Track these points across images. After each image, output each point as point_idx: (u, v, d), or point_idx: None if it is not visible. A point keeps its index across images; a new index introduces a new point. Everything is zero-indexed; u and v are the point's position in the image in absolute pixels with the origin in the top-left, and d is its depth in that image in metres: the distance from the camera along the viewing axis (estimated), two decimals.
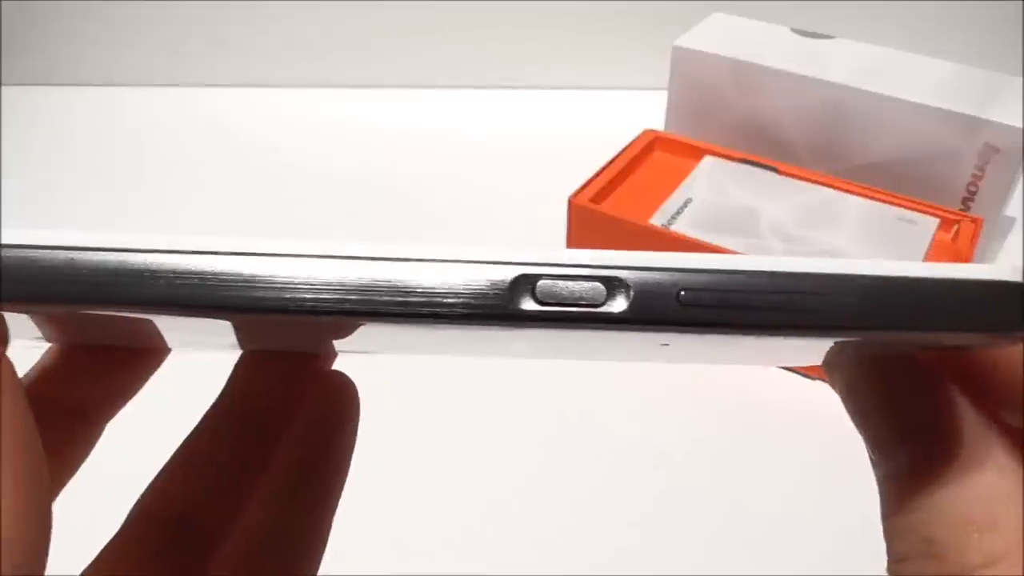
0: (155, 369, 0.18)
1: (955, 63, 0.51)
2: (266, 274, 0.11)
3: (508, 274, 0.11)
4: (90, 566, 0.16)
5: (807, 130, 0.52)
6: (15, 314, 0.11)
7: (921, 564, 0.13)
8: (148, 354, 0.18)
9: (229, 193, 0.59)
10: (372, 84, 0.69)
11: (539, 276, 0.11)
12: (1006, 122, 0.46)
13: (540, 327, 0.11)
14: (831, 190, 0.48)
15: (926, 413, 0.14)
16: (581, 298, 0.11)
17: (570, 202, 0.47)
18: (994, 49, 0.60)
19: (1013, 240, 0.53)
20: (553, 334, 0.12)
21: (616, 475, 0.40)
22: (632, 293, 0.11)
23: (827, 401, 0.16)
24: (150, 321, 0.12)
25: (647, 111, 0.56)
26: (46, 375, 0.17)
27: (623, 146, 0.52)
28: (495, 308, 0.11)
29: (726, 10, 0.57)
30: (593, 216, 0.47)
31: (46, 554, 0.11)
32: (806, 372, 0.44)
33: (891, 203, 0.47)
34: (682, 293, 0.11)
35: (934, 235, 0.45)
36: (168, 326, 0.13)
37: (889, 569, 0.14)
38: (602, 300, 0.11)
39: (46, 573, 0.11)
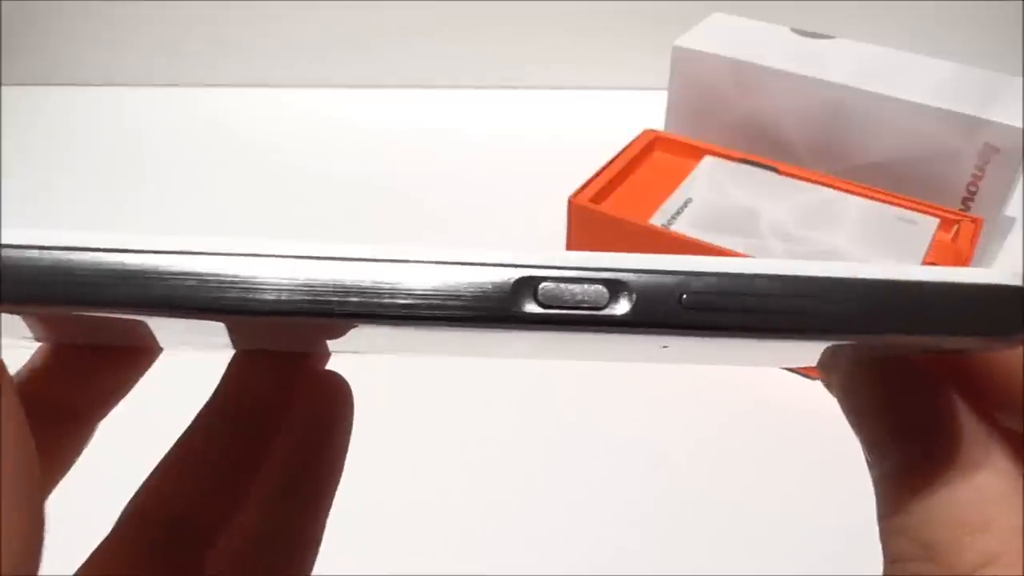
0: (147, 368, 0.18)
1: (955, 63, 0.51)
2: (267, 276, 0.11)
3: (510, 276, 0.11)
4: (83, 566, 0.16)
5: (807, 130, 0.52)
6: (5, 314, 0.11)
7: (916, 565, 0.13)
8: (140, 353, 0.18)
9: (229, 193, 0.59)
10: (372, 84, 0.69)
11: (541, 279, 0.11)
12: (1006, 122, 0.46)
13: (542, 330, 0.11)
14: (831, 190, 0.48)
15: (921, 413, 0.14)
16: (583, 301, 0.11)
17: (570, 202, 0.47)
18: (994, 49, 0.60)
19: (1013, 240, 0.53)
20: (554, 336, 0.12)
21: (616, 475, 0.40)
22: (635, 296, 0.11)
23: (827, 401, 0.16)
24: (143, 321, 0.12)
25: (647, 111, 0.56)
26: (37, 374, 0.17)
27: (623, 146, 0.52)
28: (497, 311, 0.11)
29: (726, 10, 0.57)
30: (593, 216, 0.47)
31: (39, 554, 0.11)
32: (806, 372, 0.44)
33: (891, 203, 0.47)
34: (684, 296, 0.11)
35: (934, 235, 0.45)
36: (161, 325, 0.13)
37: (885, 570, 0.14)
38: (604, 303, 0.11)
39: (39, 573, 0.11)
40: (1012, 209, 0.52)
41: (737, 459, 0.41)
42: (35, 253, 0.11)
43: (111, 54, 0.69)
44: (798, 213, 0.47)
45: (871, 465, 0.14)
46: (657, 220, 0.46)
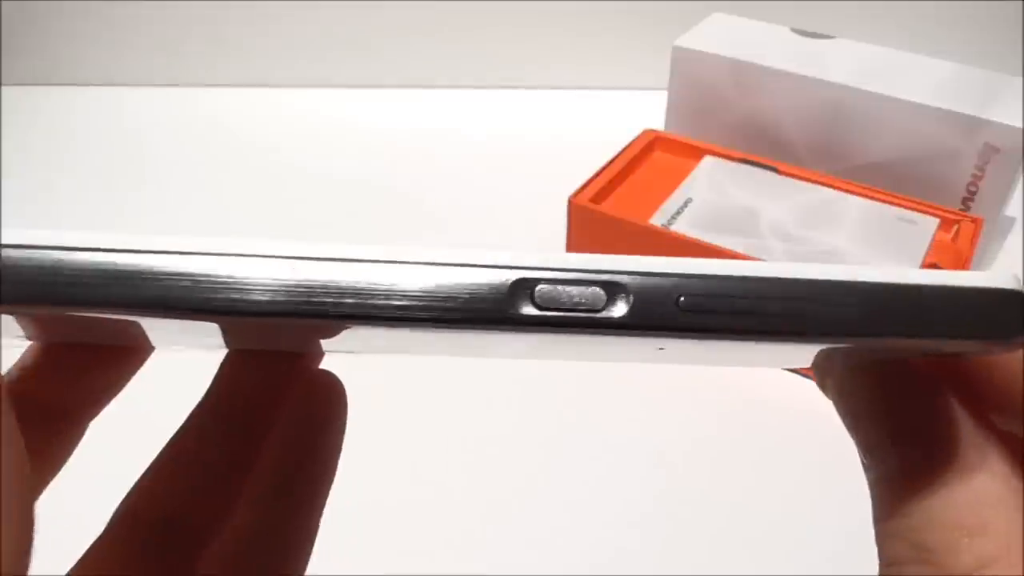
0: (139, 367, 0.18)
1: (955, 63, 0.51)
2: (262, 277, 0.11)
3: (507, 278, 0.11)
4: (75, 566, 0.16)
5: (807, 130, 0.52)
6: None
7: (912, 568, 0.13)
8: (132, 352, 0.18)
9: (229, 193, 0.59)
10: (372, 84, 0.69)
11: (538, 280, 0.11)
12: (1006, 122, 0.46)
13: (539, 332, 0.11)
14: (831, 190, 0.48)
15: (918, 416, 0.14)
16: (580, 303, 0.11)
17: (570, 202, 0.47)
18: (994, 49, 0.60)
19: (1013, 240, 0.53)
20: (551, 337, 0.12)
21: (615, 475, 0.40)
22: (632, 298, 0.11)
23: (826, 401, 0.16)
24: (135, 320, 0.12)
25: (647, 111, 0.56)
26: (28, 373, 0.16)
27: (623, 146, 0.52)
28: (494, 313, 0.11)
29: (726, 10, 0.57)
30: (593, 216, 0.47)
31: (29, 554, 0.11)
32: (805, 372, 0.44)
33: (891, 203, 0.47)
34: (682, 299, 0.11)
35: (934, 235, 0.45)
36: (153, 325, 0.13)
37: (881, 573, 0.14)
38: (602, 305, 0.11)
39: (30, 574, 0.11)
40: (1012, 209, 0.52)
41: (736, 459, 0.41)
42: (26, 253, 0.11)
43: (111, 54, 0.69)
44: (798, 213, 0.47)
45: (867, 468, 0.14)
46: (657, 220, 0.46)
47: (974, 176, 0.48)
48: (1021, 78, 0.49)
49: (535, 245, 0.51)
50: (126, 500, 0.17)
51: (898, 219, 0.46)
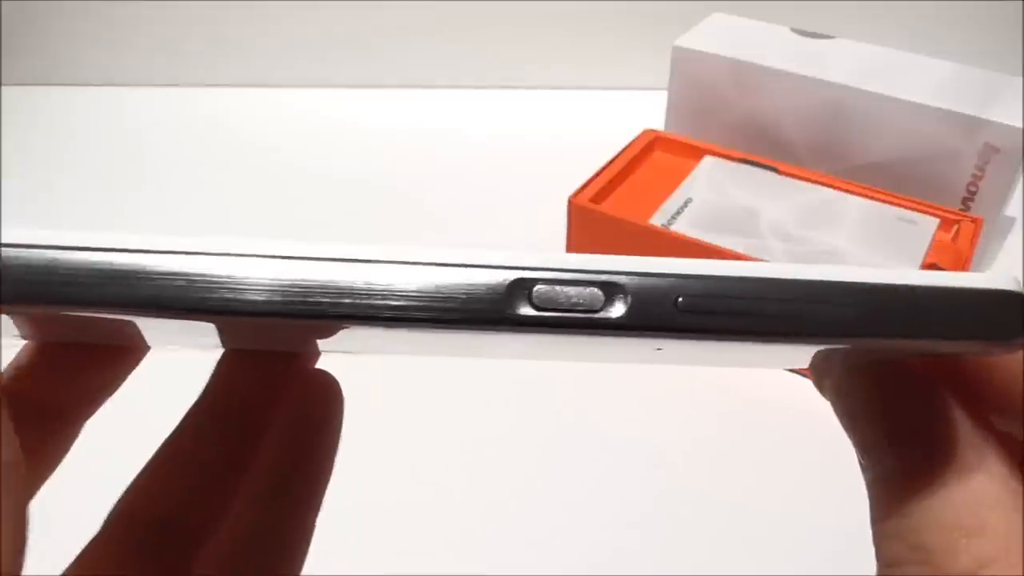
0: (134, 366, 0.18)
1: (955, 63, 0.51)
2: (259, 277, 0.11)
3: (504, 278, 0.11)
4: (71, 566, 0.16)
5: (807, 130, 0.52)
6: None
7: (910, 569, 0.13)
8: (127, 351, 0.18)
9: (229, 193, 0.59)
10: (372, 84, 0.69)
11: (536, 281, 0.11)
12: (1006, 122, 0.46)
13: (536, 332, 0.11)
14: (831, 190, 0.48)
15: (915, 416, 0.14)
16: (578, 304, 0.11)
17: (570, 202, 0.47)
18: (994, 49, 0.60)
19: (1013, 240, 0.53)
20: (549, 338, 0.12)
21: (615, 475, 0.40)
22: (630, 299, 0.11)
23: (827, 401, 0.16)
24: (131, 320, 0.12)
25: (647, 111, 0.56)
26: (22, 373, 0.16)
27: (623, 146, 0.52)
28: (491, 313, 0.11)
29: (726, 10, 0.57)
30: (593, 216, 0.47)
31: (22, 554, 0.11)
32: (806, 373, 0.43)
33: (891, 203, 0.47)
34: (680, 299, 0.11)
35: (934, 235, 0.45)
36: (149, 324, 0.13)
37: (879, 574, 0.14)
38: (600, 306, 0.11)
39: (25, 574, 0.11)
40: (1012, 209, 0.52)
41: (736, 459, 0.41)
42: (18, 252, 0.11)
43: (111, 54, 0.69)
44: (798, 213, 0.47)
45: (864, 469, 0.14)
46: (657, 220, 0.46)
47: (974, 176, 0.48)
48: (1021, 78, 0.49)
49: (535, 245, 0.51)
50: (122, 500, 0.17)
51: (898, 219, 0.46)
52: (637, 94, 0.62)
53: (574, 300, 0.11)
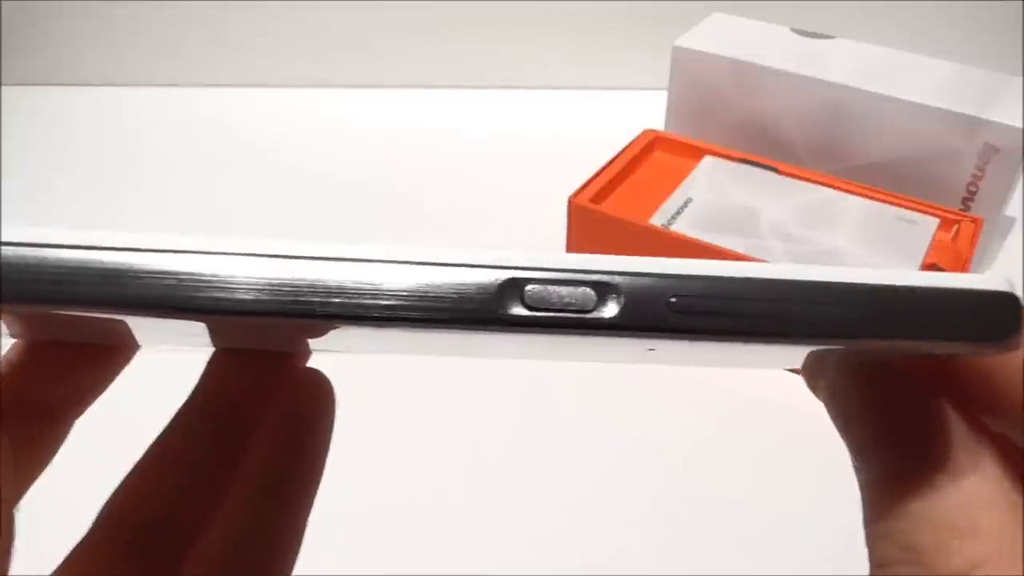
0: (124, 365, 0.18)
1: (955, 63, 0.51)
2: (249, 276, 0.11)
3: (496, 278, 0.11)
4: (59, 567, 0.16)
5: (807, 130, 0.52)
6: None
7: (903, 569, 0.13)
8: (117, 350, 0.17)
9: (229, 193, 0.59)
10: (372, 84, 0.69)
11: (528, 280, 0.11)
12: (1006, 122, 0.46)
13: (529, 332, 0.11)
14: (831, 190, 0.48)
15: (908, 418, 0.14)
16: (571, 304, 0.11)
17: (570, 202, 0.47)
18: (994, 49, 0.60)
19: (1013, 240, 0.53)
20: (541, 338, 0.12)
21: (615, 475, 0.40)
22: (623, 299, 0.11)
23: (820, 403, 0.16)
24: (122, 319, 0.12)
25: (647, 111, 0.56)
26: (10, 372, 0.16)
27: (623, 146, 0.52)
28: (482, 313, 0.11)
29: (726, 10, 0.57)
30: (593, 216, 0.47)
31: (9, 554, 0.11)
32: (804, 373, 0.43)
33: (891, 203, 0.47)
34: (673, 299, 0.11)
35: (934, 235, 0.45)
36: (139, 323, 0.13)
37: (871, 574, 0.14)
38: (592, 306, 0.11)
39: (12, 574, 0.11)
40: (1012, 209, 0.52)
41: (737, 459, 0.41)
42: (10, 250, 0.11)
43: (111, 54, 0.69)
44: (798, 213, 0.47)
45: (858, 470, 0.14)
46: (657, 220, 0.46)
47: (974, 176, 0.48)
48: (1021, 78, 0.49)
49: (535, 245, 0.51)
50: (111, 500, 0.17)
51: (898, 219, 0.46)
52: (637, 94, 0.62)
53: (566, 300, 0.11)
